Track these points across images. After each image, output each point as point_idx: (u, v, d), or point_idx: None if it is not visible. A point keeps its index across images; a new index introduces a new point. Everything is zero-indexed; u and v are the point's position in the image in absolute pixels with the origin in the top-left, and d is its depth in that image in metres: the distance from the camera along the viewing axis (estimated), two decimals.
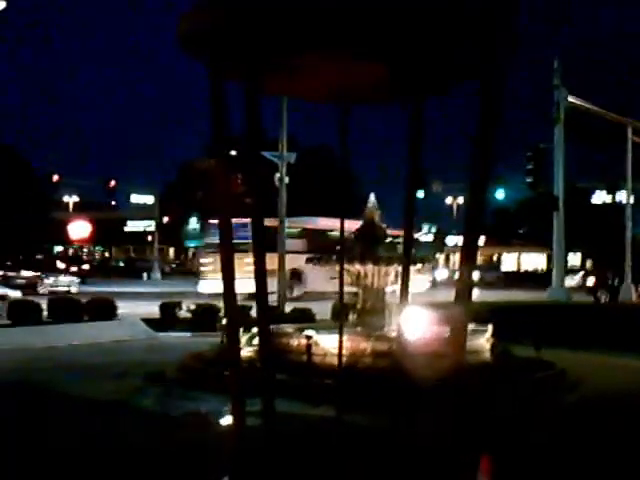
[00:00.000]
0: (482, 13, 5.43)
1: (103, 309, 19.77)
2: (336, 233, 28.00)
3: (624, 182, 38.18)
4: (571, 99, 30.12)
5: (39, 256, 73.68)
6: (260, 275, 5.80)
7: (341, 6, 5.23)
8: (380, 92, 6.57)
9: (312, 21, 5.29)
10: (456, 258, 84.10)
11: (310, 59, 5.85)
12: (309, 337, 10.67)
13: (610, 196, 68.07)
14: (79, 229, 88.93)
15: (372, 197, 13.39)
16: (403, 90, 6.40)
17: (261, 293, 5.79)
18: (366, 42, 5.53)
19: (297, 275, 33.67)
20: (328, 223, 31.97)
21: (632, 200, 38.59)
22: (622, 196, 44.90)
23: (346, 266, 12.00)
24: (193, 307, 20.33)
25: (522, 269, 70.02)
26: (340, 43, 5.53)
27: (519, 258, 72.36)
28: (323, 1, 5.28)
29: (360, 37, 5.42)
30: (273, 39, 5.49)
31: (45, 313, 19.13)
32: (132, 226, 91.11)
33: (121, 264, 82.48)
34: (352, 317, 12.66)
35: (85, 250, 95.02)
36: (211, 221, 34.06)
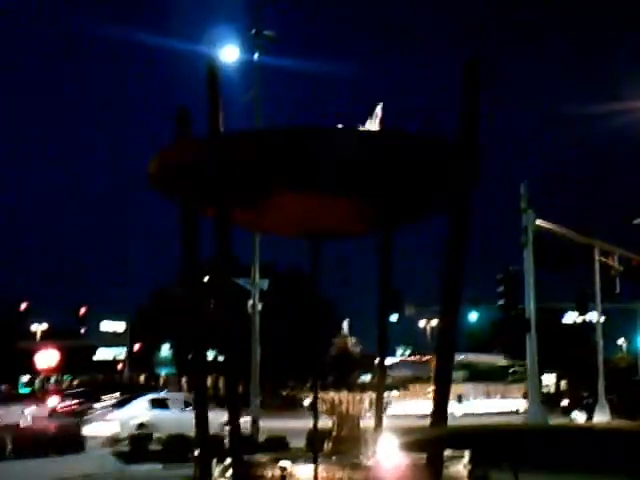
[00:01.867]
0: (446, 156, 5.60)
1: (70, 442, 19.27)
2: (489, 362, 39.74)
3: (594, 302, 38.52)
4: (539, 222, 30.61)
5: (3, 386, 72.29)
6: (232, 402, 5.70)
7: (310, 153, 5.35)
8: (349, 226, 6.67)
9: (277, 163, 5.40)
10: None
11: (278, 197, 5.94)
12: (283, 469, 10.39)
13: (581, 316, 68.44)
14: (47, 358, 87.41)
15: (345, 324, 13.33)
16: (373, 224, 6.50)
17: (234, 422, 5.67)
18: (334, 184, 5.65)
19: (459, 398, 43.36)
20: (484, 357, 40.44)
21: (602, 319, 38.81)
22: (592, 316, 45.20)
23: (320, 394, 11.83)
24: (163, 437, 19.96)
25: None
26: (309, 184, 5.64)
27: None
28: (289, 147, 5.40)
29: (327, 180, 5.55)
30: (240, 180, 5.57)
31: (9, 448, 18.62)
32: (102, 354, 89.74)
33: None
34: (327, 445, 12.39)
35: (52, 379, 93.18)
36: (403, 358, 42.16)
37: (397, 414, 34.91)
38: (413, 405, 40.34)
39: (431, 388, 6.51)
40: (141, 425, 25.21)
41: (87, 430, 23.46)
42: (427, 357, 52.42)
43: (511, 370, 44.29)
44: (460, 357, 45.80)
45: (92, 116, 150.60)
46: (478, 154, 5.87)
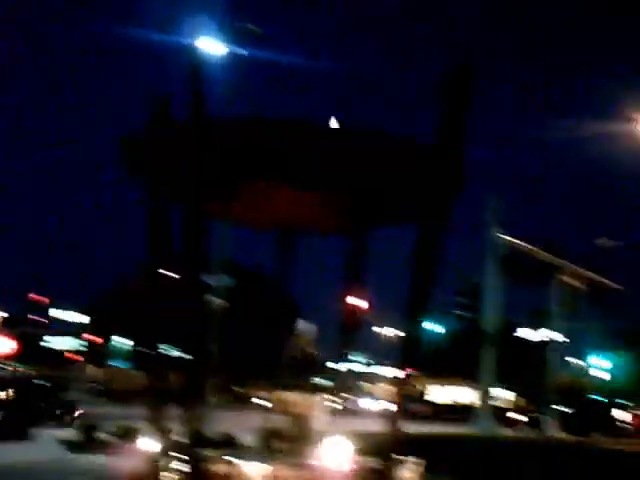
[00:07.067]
0: (428, 160, 5.54)
1: (16, 427, 19.02)
2: None
3: (553, 320, 38.86)
4: (502, 236, 30.77)
5: None
6: (192, 396, 5.64)
7: (284, 146, 5.28)
8: (323, 223, 6.61)
9: (256, 155, 5.33)
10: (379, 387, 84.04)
11: (251, 188, 5.86)
12: (229, 463, 10.29)
13: (537, 333, 68.99)
14: (1, 345, 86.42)
15: (302, 324, 13.31)
16: (347, 222, 6.45)
17: (193, 415, 5.62)
18: (309, 179, 5.59)
19: None
20: None
21: (562, 339, 39.15)
22: (551, 334, 45.55)
23: (273, 394, 11.79)
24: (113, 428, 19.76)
25: (448, 401, 69.72)
26: (283, 177, 5.57)
27: (444, 390, 72.16)
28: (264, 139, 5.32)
29: (300, 174, 5.48)
30: (214, 167, 5.48)
31: None
32: (58, 344, 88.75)
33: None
34: (277, 445, 12.34)
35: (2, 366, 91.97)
36: None
37: None
38: None
39: None
40: None
41: None
42: None
43: None
44: None
45: (68, 105, 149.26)
46: (461, 161, 5.75)
